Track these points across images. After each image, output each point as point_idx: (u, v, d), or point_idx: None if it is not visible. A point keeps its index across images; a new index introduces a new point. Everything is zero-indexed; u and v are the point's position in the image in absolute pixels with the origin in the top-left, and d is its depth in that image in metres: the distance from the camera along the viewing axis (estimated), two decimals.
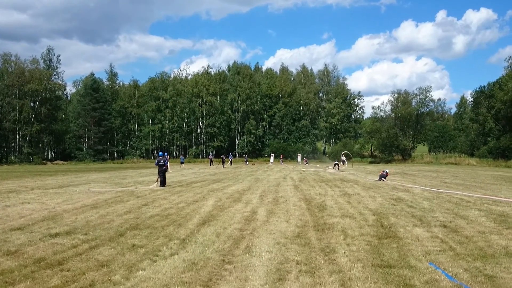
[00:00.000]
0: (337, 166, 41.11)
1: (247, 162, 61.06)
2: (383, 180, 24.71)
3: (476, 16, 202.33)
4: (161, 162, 20.76)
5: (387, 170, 26.81)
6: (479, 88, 72.66)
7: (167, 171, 32.91)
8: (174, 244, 8.03)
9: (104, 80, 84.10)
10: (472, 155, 63.85)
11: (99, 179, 26.42)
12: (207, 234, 8.90)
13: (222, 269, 6.44)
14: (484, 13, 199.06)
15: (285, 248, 7.72)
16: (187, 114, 75.48)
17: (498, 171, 39.89)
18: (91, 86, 74.86)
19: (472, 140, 70.89)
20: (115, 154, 78.04)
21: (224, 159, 50.58)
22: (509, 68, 59.80)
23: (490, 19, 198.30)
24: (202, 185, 21.60)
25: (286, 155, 72.15)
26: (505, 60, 66.04)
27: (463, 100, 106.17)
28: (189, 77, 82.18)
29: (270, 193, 17.41)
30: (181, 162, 49.54)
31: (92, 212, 11.90)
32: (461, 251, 7.42)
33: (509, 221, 10.36)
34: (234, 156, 69.06)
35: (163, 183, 20.55)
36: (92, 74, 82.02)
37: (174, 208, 12.80)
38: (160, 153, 22.87)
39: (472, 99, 77.41)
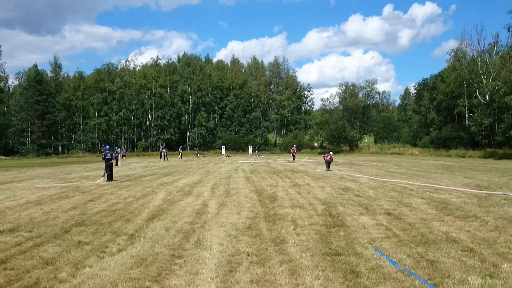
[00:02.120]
0: (293, 157, 42.02)
1: (198, 155, 60.57)
2: (329, 170, 25.44)
3: (421, 10, 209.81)
4: (108, 156, 20.23)
5: (331, 153, 27.65)
6: (422, 80, 75.91)
7: (117, 165, 32.30)
8: (121, 240, 7.87)
9: (48, 72, 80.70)
10: (415, 145, 66.48)
11: (43, 175, 25.41)
12: (157, 228, 8.77)
13: (172, 263, 6.38)
14: (429, 7, 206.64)
15: (236, 240, 7.75)
16: (135, 106, 73.68)
17: (439, 160, 41.79)
18: (34, 78, 71.53)
19: (415, 130, 73.90)
20: (60, 148, 75.06)
21: (166, 153, 49.63)
22: (451, 61, 62.49)
23: (434, 13, 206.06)
24: (152, 178, 21.25)
25: (237, 147, 72.27)
26: (447, 53, 68.94)
27: (407, 92, 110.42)
28: (137, 68, 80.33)
29: (221, 185, 17.40)
30: (123, 155, 48.39)
31: (36, 209, 11.47)
32: (405, 238, 7.73)
33: (449, 208, 10.89)
34: (184, 149, 68.25)
35: (110, 178, 20.04)
36: (35, 65, 78.45)
37: (121, 203, 12.52)
38: (107, 146, 22.24)
39: (416, 91, 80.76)
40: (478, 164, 33.98)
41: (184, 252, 6.95)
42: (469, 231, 8.21)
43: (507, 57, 49.07)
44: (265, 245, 7.38)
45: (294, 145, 49.52)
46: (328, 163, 26.18)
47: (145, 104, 73.44)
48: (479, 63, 55.34)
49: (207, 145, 78.21)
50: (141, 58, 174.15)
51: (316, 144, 79.45)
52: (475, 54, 57.52)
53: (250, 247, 7.24)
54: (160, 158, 49.28)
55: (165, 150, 50.12)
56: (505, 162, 36.53)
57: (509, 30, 44.37)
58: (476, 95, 55.92)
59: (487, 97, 54.08)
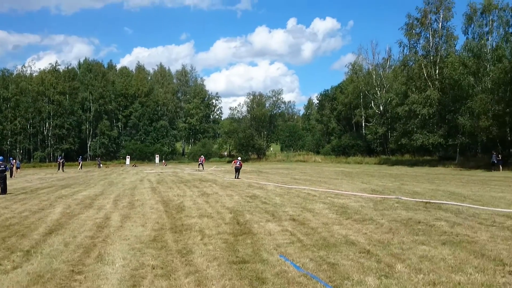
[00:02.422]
0: (201, 166, 41.82)
1: (101, 165, 57.98)
2: (238, 178, 25.78)
3: (322, 25, 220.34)
4: (2, 167, 18.69)
5: (239, 159, 28.07)
6: (324, 91, 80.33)
7: (11, 177, 29.81)
8: (16, 256, 7.28)
9: None
10: (318, 152, 69.68)
11: None
12: (55, 244, 8.23)
13: (72, 280, 6.02)
14: (330, 23, 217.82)
15: (140, 253, 7.51)
16: (31, 114, 68.62)
17: (340, 167, 44.17)
18: None
19: (318, 139, 77.55)
20: None
21: (63, 163, 46.68)
22: (349, 73, 66.81)
23: (334, 28, 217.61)
24: (49, 191, 19.90)
25: (143, 156, 70.36)
26: (345, 66, 73.96)
27: (310, 103, 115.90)
28: (34, 75, 74.98)
29: (125, 197, 16.80)
30: (17, 167, 44.86)
31: None
32: (308, 242, 8.03)
33: (348, 212, 11.52)
34: (85, 159, 65.11)
35: (4, 191, 18.48)
36: None
37: (16, 217, 11.57)
38: (0, 157, 20.45)
39: (318, 101, 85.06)
40: (374, 170, 36.48)
41: (84, 268, 6.59)
42: (366, 233, 8.73)
43: (398, 71, 53.58)
44: (171, 257, 7.24)
45: (202, 155, 49.39)
46: (237, 170, 26.55)
47: (42, 112, 68.70)
48: (374, 76, 59.81)
49: (110, 155, 75.01)
50: (39, 64, 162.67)
51: (226, 152, 79.96)
52: (370, 68, 62.15)
53: (155, 260, 7.06)
54: (58, 169, 46.34)
55: (62, 161, 47.18)
56: (398, 168, 39.63)
57: (400, 46, 48.54)
58: (371, 105, 60.21)
59: (381, 108, 58.44)
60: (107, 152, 74.67)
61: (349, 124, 68.88)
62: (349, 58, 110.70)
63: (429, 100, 43.02)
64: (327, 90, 79.10)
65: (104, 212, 12.49)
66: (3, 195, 17.91)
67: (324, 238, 8.37)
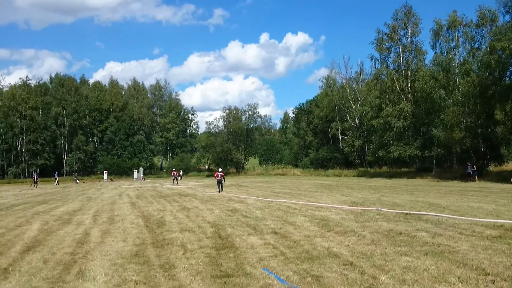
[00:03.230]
0: (176, 180, 41.52)
1: (77, 181, 56.98)
2: (222, 191, 25.83)
3: (294, 40, 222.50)
4: None
5: (220, 170, 28.12)
6: (299, 105, 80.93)
7: None
8: None
9: None
10: (296, 166, 69.91)
11: None
12: (33, 261, 8.04)
13: None
14: (302, 38, 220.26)
15: (122, 268, 7.41)
16: (3, 130, 67.10)
17: (319, 179, 44.42)
18: None
19: (296, 152, 77.89)
20: None
21: (36, 179, 45.93)
22: (323, 87, 67.65)
23: (306, 43, 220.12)
24: (25, 207, 19.43)
25: (121, 171, 69.40)
26: (319, 80, 74.56)
27: (286, 116, 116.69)
28: (5, 89, 73.42)
29: (104, 212, 16.55)
30: None
31: None
32: (291, 255, 8.04)
33: (329, 224, 11.59)
34: (62, 175, 63.89)
35: None
36: None
37: None
38: None
39: (294, 115, 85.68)
40: (353, 182, 36.81)
41: (65, 285, 6.46)
42: (348, 245, 8.78)
43: (371, 84, 54.49)
44: (153, 272, 7.16)
45: (174, 169, 48.58)
46: (219, 183, 26.58)
47: (14, 127, 67.18)
48: (348, 90, 60.60)
49: (87, 170, 73.80)
50: (9, 79, 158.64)
51: (206, 166, 79.54)
52: (343, 81, 63.00)
53: (137, 275, 6.97)
54: (35, 186, 45.35)
55: (35, 176, 46.34)
56: (376, 180, 40.08)
57: (372, 60, 49.52)
58: (347, 119, 60.87)
59: (356, 121, 59.21)
60: (84, 167, 73.43)
61: (326, 137, 69.45)
62: (323, 72, 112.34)
63: (403, 113, 43.80)
64: (303, 103, 79.78)
65: (83, 228, 12.28)
66: None
67: (307, 250, 8.39)
